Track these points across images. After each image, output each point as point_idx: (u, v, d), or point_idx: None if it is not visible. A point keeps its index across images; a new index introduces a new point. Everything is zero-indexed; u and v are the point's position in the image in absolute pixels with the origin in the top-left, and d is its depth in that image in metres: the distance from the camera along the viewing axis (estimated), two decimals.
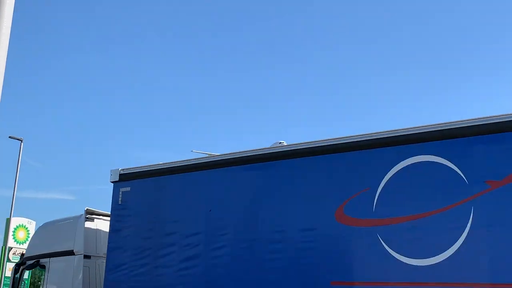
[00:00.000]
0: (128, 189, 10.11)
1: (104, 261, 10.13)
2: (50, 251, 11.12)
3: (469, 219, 6.77)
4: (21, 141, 28.45)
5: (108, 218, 10.43)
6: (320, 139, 8.19)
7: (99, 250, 10.84)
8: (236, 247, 8.56)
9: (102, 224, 11.06)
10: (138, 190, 9.99)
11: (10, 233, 28.39)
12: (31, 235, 21.22)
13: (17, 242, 28.74)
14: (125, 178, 10.20)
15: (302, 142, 8.57)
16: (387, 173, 7.50)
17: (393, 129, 7.78)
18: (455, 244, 6.80)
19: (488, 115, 6.98)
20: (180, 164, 9.58)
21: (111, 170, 10.49)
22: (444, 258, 6.85)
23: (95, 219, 11.16)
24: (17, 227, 28.99)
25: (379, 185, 7.51)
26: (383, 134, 7.74)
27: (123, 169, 10.32)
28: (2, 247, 28.58)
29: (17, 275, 11.62)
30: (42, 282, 11.30)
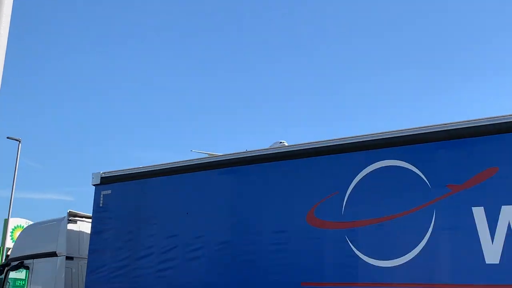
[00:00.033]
0: (109, 192, 10.34)
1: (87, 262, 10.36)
2: (34, 253, 11.33)
3: (431, 222, 7.03)
4: (19, 141, 28.58)
5: (91, 220, 10.65)
6: (292, 144, 8.44)
7: (81, 251, 11.05)
8: (212, 249, 8.79)
9: (85, 226, 11.28)
10: (119, 193, 10.22)
11: (8, 233, 28.50)
12: None
13: None
14: (106, 181, 10.43)
15: (274, 147, 8.83)
16: (355, 177, 7.75)
17: (362, 134, 8.03)
18: (418, 246, 7.06)
19: (450, 122, 7.24)
20: (159, 168, 9.81)
21: (92, 173, 10.72)
22: (408, 260, 7.10)
23: (78, 221, 11.39)
24: (15, 227, 29.09)
25: (347, 188, 7.76)
26: (351, 139, 7.98)
27: (104, 172, 10.55)
28: (0, 247, 28.70)
29: (1, 276, 11.81)
30: (26, 283, 11.51)
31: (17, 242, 12.63)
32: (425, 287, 6.99)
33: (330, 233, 7.81)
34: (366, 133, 7.89)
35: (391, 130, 7.68)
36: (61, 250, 10.86)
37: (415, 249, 7.08)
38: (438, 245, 6.96)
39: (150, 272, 9.36)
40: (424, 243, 7.03)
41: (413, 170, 7.31)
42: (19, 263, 11.50)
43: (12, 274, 12.06)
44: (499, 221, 6.60)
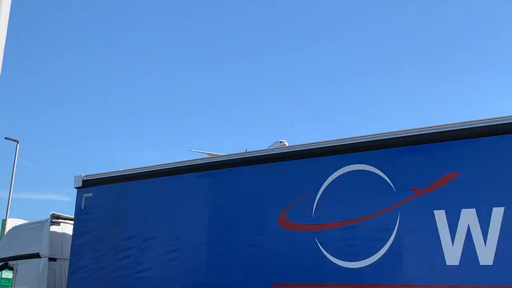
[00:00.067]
0: (90, 194, 10.56)
1: None
2: (18, 254, 11.53)
3: (396, 224, 7.27)
4: (17, 142, 28.68)
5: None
6: (265, 149, 8.67)
7: (64, 253, 11.26)
8: (189, 250, 9.02)
9: (68, 228, 11.48)
10: (100, 195, 10.44)
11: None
12: None
13: None
14: (88, 184, 10.65)
15: (249, 151, 9.07)
16: (325, 181, 7.99)
17: (331, 139, 8.26)
18: (384, 247, 7.30)
19: (415, 127, 7.48)
20: (138, 171, 10.03)
21: (75, 177, 10.94)
22: (374, 261, 7.34)
23: (61, 223, 11.60)
24: (13, 228, 29.09)
25: (317, 192, 8.00)
26: (321, 144, 8.22)
27: (86, 175, 10.77)
28: None
29: None
30: (11, 284, 11.71)
31: (2, 243, 12.82)
32: (389, 287, 7.23)
33: (300, 235, 8.03)
34: (335, 138, 8.12)
35: (362, 135, 7.91)
36: (44, 251, 11.07)
37: (380, 250, 7.32)
38: (402, 247, 7.19)
39: (129, 273, 9.58)
40: (389, 245, 7.27)
41: (379, 174, 7.55)
42: (4, 264, 11.69)
43: (5, 274, 12.24)
44: (459, 224, 6.84)
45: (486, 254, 6.61)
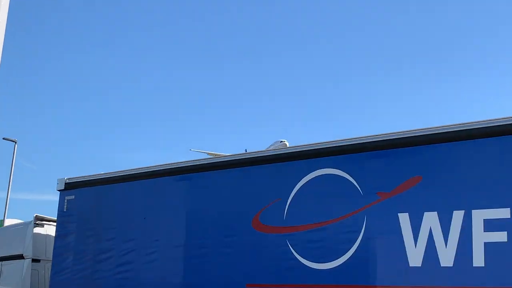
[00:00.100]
0: (72, 197, 10.78)
1: None
2: (2, 255, 11.75)
3: (362, 227, 7.51)
4: (15, 142, 28.79)
5: None
6: (238, 153, 8.91)
7: (48, 254, 11.46)
8: (167, 252, 9.25)
9: (52, 230, 11.68)
10: (81, 198, 10.66)
11: None
12: None
13: None
14: (70, 187, 10.87)
15: (223, 155, 9.30)
16: (296, 185, 8.22)
17: (306, 143, 8.50)
18: (351, 249, 7.54)
19: (381, 133, 7.72)
20: (118, 175, 10.26)
21: (58, 179, 11.17)
22: (341, 262, 7.58)
23: (45, 225, 11.81)
24: None
25: (289, 195, 8.23)
26: (293, 149, 8.48)
27: (68, 178, 10.99)
28: None
29: None
30: None
31: None
32: None
33: (273, 238, 8.27)
34: (307, 143, 8.36)
35: (327, 140, 8.15)
36: (28, 252, 11.28)
37: (348, 252, 7.55)
38: (368, 249, 7.43)
39: (109, 274, 9.81)
40: (356, 247, 7.51)
41: (348, 178, 7.79)
42: None
43: None
44: (421, 226, 7.08)
45: (446, 256, 6.85)
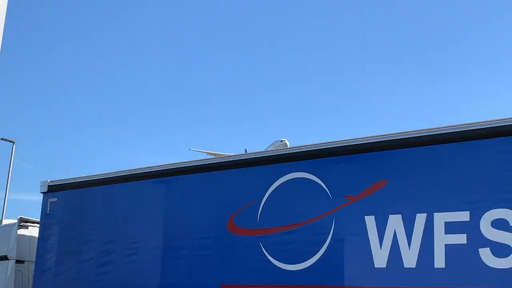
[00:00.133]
0: (55, 199, 11.00)
1: None
2: None
3: (331, 229, 7.75)
4: (13, 143, 28.93)
5: None
6: (213, 157, 9.12)
7: (32, 255, 11.65)
8: (145, 254, 9.47)
9: (36, 231, 11.89)
10: (64, 200, 10.88)
11: None
12: None
13: None
14: (53, 189, 11.09)
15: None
16: (269, 188, 8.45)
17: (281, 148, 8.73)
18: (320, 251, 7.77)
19: (349, 138, 7.97)
20: (99, 178, 10.48)
21: (41, 182, 11.38)
22: (311, 264, 7.81)
23: (29, 227, 12.02)
24: None
25: (262, 198, 8.46)
26: (266, 153, 8.72)
27: (51, 181, 11.21)
28: None
29: None
30: None
31: None
32: None
33: (246, 239, 8.50)
34: (279, 148, 8.59)
35: (298, 145, 8.39)
36: (12, 254, 11.48)
37: (317, 254, 7.79)
38: (336, 251, 7.66)
39: (90, 275, 10.03)
40: (325, 249, 7.74)
41: (317, 181, 8.02)
42: None
43: None
44: (386, 229, 7.32)
45: (410, 257, 7.09)
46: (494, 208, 6.66)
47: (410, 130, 7.45)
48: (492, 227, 6.63)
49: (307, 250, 7.87)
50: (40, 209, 11.14)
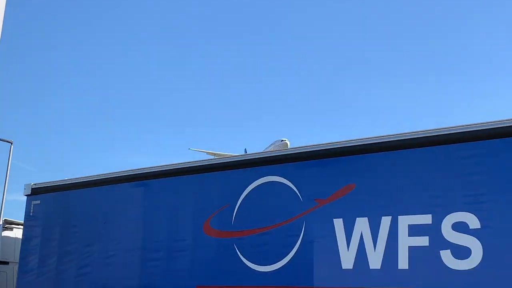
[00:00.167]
0: (38, 202, 11.21)
1: None
2: None
3: (301, 232, 7.97)
4: (11, 143, 28.96)
5: None
6: (191, 160, 9.38)
7: (16, 256, 11.85)
8: (125, 255, 9.68)
9: (20, 233, 12.10)
10: (46, 203, 11.09)
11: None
12: None
13: None
14: (36, 192, 11.30)
15: (176, 163, 9.74)
16: (243, 191, 8.67)
17: (255, 152, 8.96)
18: (291, 252, 8.00)
19: (320, 143, 8.21)
20: (80, 181, 10.69)
21: (25, 185, 11.60)
22: (282, 265, 8.03)
23: (14, 229, 12.23)
24: None
25: (237, 201, 8.68)
26: (241, 157, 8.96)
27: (35, 184, 11.42)
28: None
29: None
30: None
31: None
32: None
33: (221, 241, 8.72)
34: (254, 152, 8.82)
35: (273, 150, 8.60)
36: None
37: (288, 255, 8.01)
38: (306, 253, 7.89)
39: (71, 276, 10.24)
40: (295, 251, 7.97)
41: (289, 185, 8.24)
42: None
43: None
44: (353, 231, 7.54)
45: (375, 259, 7.31)
46: (454, 212, 6.89)
47: (375, 136, 7.69)
48: (453, 230, 6.87)
49: (279, 252, 8.09)
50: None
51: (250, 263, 8.32)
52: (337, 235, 7.65)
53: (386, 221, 7.33)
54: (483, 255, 6.62)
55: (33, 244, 11.03)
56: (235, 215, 8.64)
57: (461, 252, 6.76)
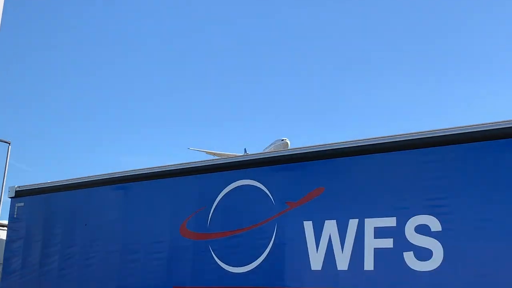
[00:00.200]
0: (22, 204, 11.41)
1: None
2: None
3: (273, 234, 8.20)
4: (9, 144, 29.05)
5: None
6: (167, 164, 9.59)
7: (0, 258, 12.07)
8: (103, 257, 9.90)
9: (4, 235, 12.30)
10: (30, 205, 11.30)
11: None
12: None
13: None
14: (19, 194, 11.50)
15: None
16: (219, 194, 8.89)
17: (234, 155, 9.18)
18: (262, 254, 8.22)
19: (297, 147, 8.42)
20: (63, 183, 10.90)
21: (9, 187, 11.81)
22: (254, 266, 8.25)
23: (0, 231, 12.43)
24: None
25: (212, 204, 8.90)
26: (216, 161, 9.19)
27: (18, 186, 11.62)
28: None
29: None
30: None
31: None
32: None
33: (197, 243, 8.94)
34: (229, 155, 9.03)
35: (247, 153, 8.82)
36: None
37: (260, 257, 8.23)
38: (278, 254, 8.11)
39: (53, 277, 10.45)
40: (267, 253, 8.19)
41: (262, 188, 8.47)
42: None
43: None
44: (322, 233, 7.77)
45: (342, 260, 7.54)
46: (417, 215, 7.12)
47: (346, 140, 7.91)
48: (416, 232, 7.10)
49: (251, 254, 8.31)
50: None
51: (224, 264, 8.54)
52: (307, 237, 7.88)
53: (353, 223, 7.55)
54: (443, 256, 6.85)
55: (17, 246, 11.23)
56: (211, 217, 8.86)
57: (423, 254, 6.99)
